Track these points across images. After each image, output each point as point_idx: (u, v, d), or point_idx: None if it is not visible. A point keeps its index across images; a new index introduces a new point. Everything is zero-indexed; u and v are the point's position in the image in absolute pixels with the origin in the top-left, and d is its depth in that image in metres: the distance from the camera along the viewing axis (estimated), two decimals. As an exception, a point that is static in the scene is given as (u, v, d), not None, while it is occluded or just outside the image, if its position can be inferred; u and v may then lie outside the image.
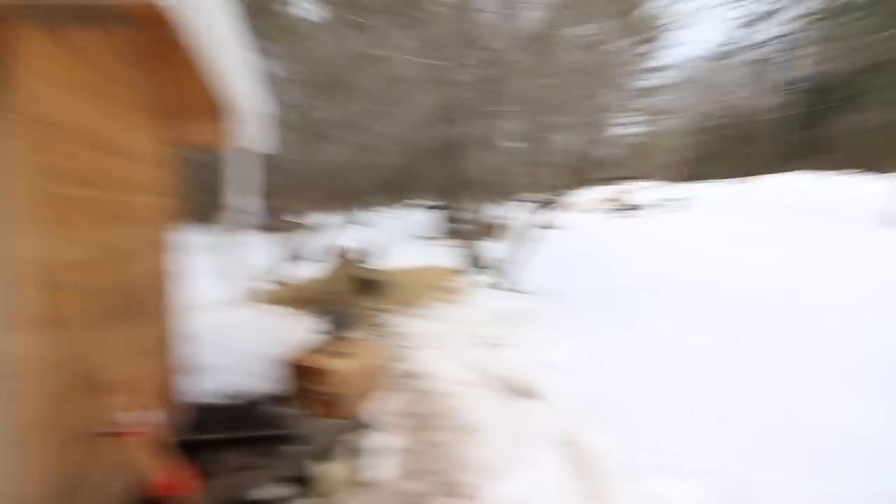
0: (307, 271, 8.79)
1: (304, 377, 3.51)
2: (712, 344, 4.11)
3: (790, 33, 29.69)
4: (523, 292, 6.76)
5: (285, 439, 2.96)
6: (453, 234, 14.17)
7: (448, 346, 4.66)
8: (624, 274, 7.57)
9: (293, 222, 12.03)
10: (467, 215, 7.32)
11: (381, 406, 3.51)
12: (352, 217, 22.69)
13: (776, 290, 5.62)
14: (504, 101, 7.17)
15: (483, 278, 6.99)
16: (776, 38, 30.31)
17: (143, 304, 2.76)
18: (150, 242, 2.93)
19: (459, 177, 13.52)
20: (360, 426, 2.94)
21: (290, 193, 12.28)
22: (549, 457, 2.61)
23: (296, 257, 10.57)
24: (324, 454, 2.64)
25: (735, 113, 32.02)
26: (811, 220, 10.92)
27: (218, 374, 4.37)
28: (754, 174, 24.77)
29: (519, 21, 6.27)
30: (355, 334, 5.09)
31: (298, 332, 5.24)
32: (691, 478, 2.16)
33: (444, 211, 15.25)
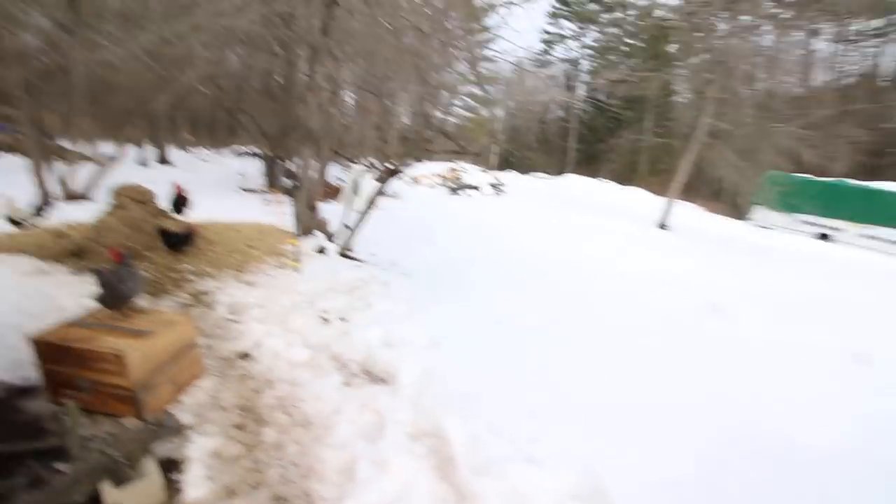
0: (72, 212, 6.57)
1: (76, 363, 2.50)
2: (547, 319, 4.54)
3: (577, 58, 36.34)
4: (361, 261, 6.39)
5: (57, 454, 2.05)
6: (285, 190, 12.69)
7: (281, 321, 4.02)
8: (457, 249, 7.89)
9: (48, 143, 8.86)
10: (302, 171, 6.49)
11: (197, 399, 2.76)
12: (145, 151, 18.37)
13: (590, 270, 6.62)
14: (343, 47, 6.53)
15: (314, 242, 6.35)
16: (569, 60, 36.66)
17: None
18: None
19: (296, 125, 12.12)
20: (170, 429, 2.21)
21: (48, 102, 8.99)
22: (407, 453, 2.40)
23: (49, 191, 7.81)
24: (119, 472, 1.88)
25: (541, 117, 37.71)
26: (602, 216, 13.37)
27: None
28: (553, 172, 29.42)
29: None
30: (151, 304, 3.99)
31: (58, 297, 3.82)
32: (551, 467, 2.23)
33: (275, 163, 13.47)
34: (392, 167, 6.40)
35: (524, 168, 30.47)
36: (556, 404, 2.98)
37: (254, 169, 18.14)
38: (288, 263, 5.55)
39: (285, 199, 12.03)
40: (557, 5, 35.40)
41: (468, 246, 8.13)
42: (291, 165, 7.85)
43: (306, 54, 6.49)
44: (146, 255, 4.98)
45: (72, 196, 8.03)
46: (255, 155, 21.55)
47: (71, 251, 4.63)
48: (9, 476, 1.98)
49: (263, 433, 2.54)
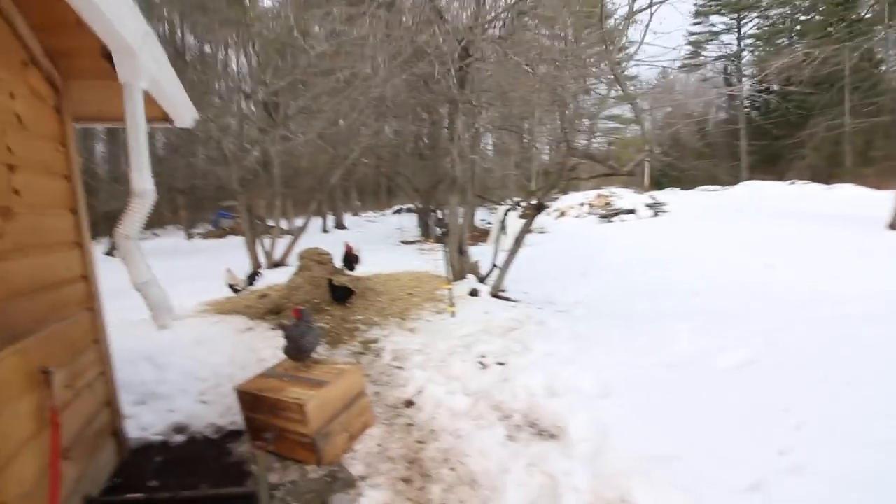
0: (273, 277, 7.93)
1: (268, 411, 2.77)
2: (743, 359, 3.61)
3: (741, 51, 31.34)
4: (515, 301, 6.15)
5: (247, 500, 2.23)
6: (437, 238, 13.55)
7: (440, 367, 3.99)
8: (616, 280, 7.09)
9: (258, 223, 11.11)
10: (451, 218, 6.68)
11: (368, 448, 2.80)
12: (326, 219, 21.90)
13: (793, 297, 5.21)
14: (479, 94, 6.68)
15: (466, 286, 6.35)
16: (728, 55, 31.96)
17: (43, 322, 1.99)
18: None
19: (442, 177, 12.87)
20: (343, 481, 2.24)
21: (256, 192, 11.41)
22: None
23: (259, 262, 9.67)
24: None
25: (700, 125, 33.30)
26: (804, 225, 10.80)
27: (161, 403, 3.56)
28: (724, 183, 25.37)
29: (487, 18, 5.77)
30: (328, 354, 4.38)
31: (260, 349, 4.46)
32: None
33: (426, 214, 14.58)
34: (536, 203, 6.18)
35: (686, 183, 27.13)
36: (785, 473, 2.20)
37: (410, 223, 19.97)
38: (444, 308, 5.65)
39: (438, 246, 12.80)
40: (702, 2, 32.04)
41: (629, 277, 7.27)
42: (441, 214, 8.27)
43: (446, 110, 6.89)
44: (326, 308, 5.62)
45: (274, 263, 9.80)
46: (410, 210, 23.84)
47: (270, 309, 5.49)
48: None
49: (430, 490, 2.40)
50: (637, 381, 3.36)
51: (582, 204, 20.48)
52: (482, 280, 6.64)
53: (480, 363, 4.02)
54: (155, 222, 29.32)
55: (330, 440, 2.69)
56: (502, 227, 7.18)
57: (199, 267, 11.20)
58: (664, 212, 17.21)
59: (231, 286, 6.45)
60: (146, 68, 1.90)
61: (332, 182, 10.21)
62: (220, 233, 23.28)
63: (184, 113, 2.98)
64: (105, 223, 23.80)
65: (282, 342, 4.56)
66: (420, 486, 2.46)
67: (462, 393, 3.40)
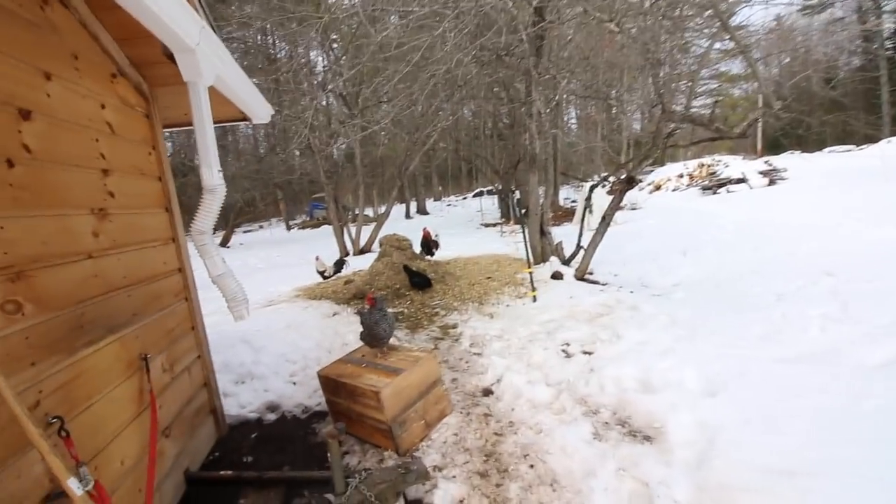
0: (359, 263, 8.24)
1: (347, 396, 2.81)
2: (887, 353, 2.90)
3: None
4: (603, 284, 5.69)
5: (325, 484, 2.27)
6: (517, 220, 13.17)
7: (520, 355, 3.79)
8: (722, 260, 6.23)
9: (344, 212, 11.64)
10: (531, 198, 6.33)
11: (444, 437, 2.73)
12: (409, 205, 22.50)
13: None
14: (558, 62, 6.14)
15: (548, 268, 6.00)
16: None
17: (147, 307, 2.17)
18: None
19: (520, 157, 12.44)
20: (418, 472, 2.17)
21: (342, 182, 11.97)
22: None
23: (346, 249, 10.14)
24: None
25: (827, 76, 28.15)
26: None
27: (257, 383, 3.84)
28: (856, 142, 21.39)
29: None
30: (408, 338, 4.39)
31: (344, 334, 4.61)
32: None
33: (507, 195, 14.24)
34: (626, 176, 5.61)
35: (810, 145, 23.33)
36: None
37: (491, 205, 19.72)
38: (525, 292, 5.40)
39: (519, 228, 12.41)
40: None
41: (740, 255, 6.35)
42: (521, 195, 7.93)
43: (523, 84, 6.50)
44: (406, 293, 5.68)
45: (360, 250, 10.22)
46: (490, 192, 23.55)
47: (354, 294, 5.68)
48: (290, 500, 2.28)
49: (507, 488, 2.25)
50: (752, 377, 2.87)
51: (680, 175, 18.58)
52: (566, 262, 6.25)
53: (564, 351, 3.75)
54: (261, 216, 32.54)
55: (406, 427, 2.65)
56: (588, 206, 6.67)
57: (295, 254, 12.10)
58: (782, 179, 14.93)
59: (320, 273, 6.82)
60: (208, 65, 1.93)
61: (411, 168, 10.32)
62: (315, 223, 25.06)
63: (258, 109, 3.07)
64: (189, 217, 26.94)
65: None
66: (497, 482, 2.32)
67: (543, 383, 3.18)
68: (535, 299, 5.10)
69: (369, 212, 13.26)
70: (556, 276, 5.79)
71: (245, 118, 3.12)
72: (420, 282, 5.61)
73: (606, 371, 3.15)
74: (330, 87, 9.13)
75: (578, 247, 6.12)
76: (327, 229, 16.46)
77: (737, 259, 6.15)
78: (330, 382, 2.92)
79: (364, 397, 2.65)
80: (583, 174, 21.18)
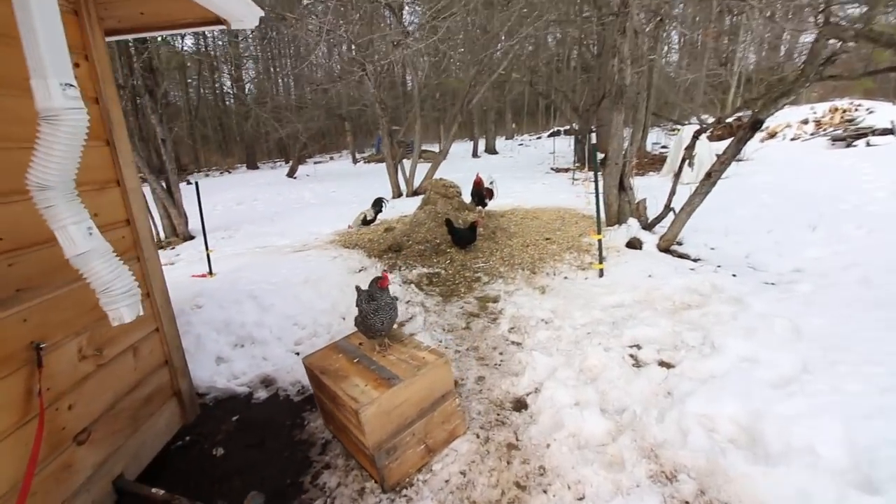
0: (410, 205, 7.50)
1: (329, 398, 2.17)
2: None
3: None
4: (695, 260, 4.49)
5: None
6: (593, 167, 11.56)
7: (571, 353, 2.92)
8: (870, 239, 4.67)
9: (403, 148, 10.77)
10: (613, 141, 5.05)
11: (446, 475, 2.01)
12: (477, 144, 21.08)
13: None
14: None
15: (624, 233, 4.86)
16: None
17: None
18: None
19: (607, 91, 10.69)
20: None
21: (403, 117, 10.99)
22: None
23: (399, 189, 9.38)
24: None
25: None
26: None
27: (256, 348, 3.36)
28: None
29: None
30: (438, 307, 3.62)
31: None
32: None
33: (583, 137, 12.52)
34: (752, 119, 4.15)
35: None
36: None
37: (566, 147, 17.82)
38: (590, 263, 4.39)
39: (594, 177, 10.84)
40: None
41: (880, 228, 4.72)
42: (598, 137, 6.58)
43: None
44: (446, 250, 4.89)
45: (414, 191, 9.47)
46: (567, 132, 21.33)
47: (390, 246, 4.99)
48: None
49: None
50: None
51: (804, 121, 15.32)
52: (648, 227, 5.05)
53: (632, 357, 2.81)
54: (332, 147, 32.76)
55: (396, 456, 1.97)
56: (690, 156, 5.25)
57: (351, 191, 11.66)
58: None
59: (363, 221, 6.19)
60: None
61: (475, 101, 9.08)
62: (381, 157, 24.55)
63: (234, 7, 2.23)
64: (278, 149, 27.23)
65: (389, 289, 4.02)
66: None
67: (597, 407, 2.31)
68: (601, 273, 4.09)
69: (436, 149, 12.34)
70: (634, 244, 4.66)
71: (218, 20, 2.30)
72: (462, 239, 4.77)
73: (692, 403, 2.20)
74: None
75: (667, 208, 4.86)
76: (382, 168, 15.86)
77: (891, 237, 4.55)
78: (313, 376, 2.28)
79: (345, 409, 1.98)
80: (678, 115, 18.26)
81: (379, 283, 2.25)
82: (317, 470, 2.18)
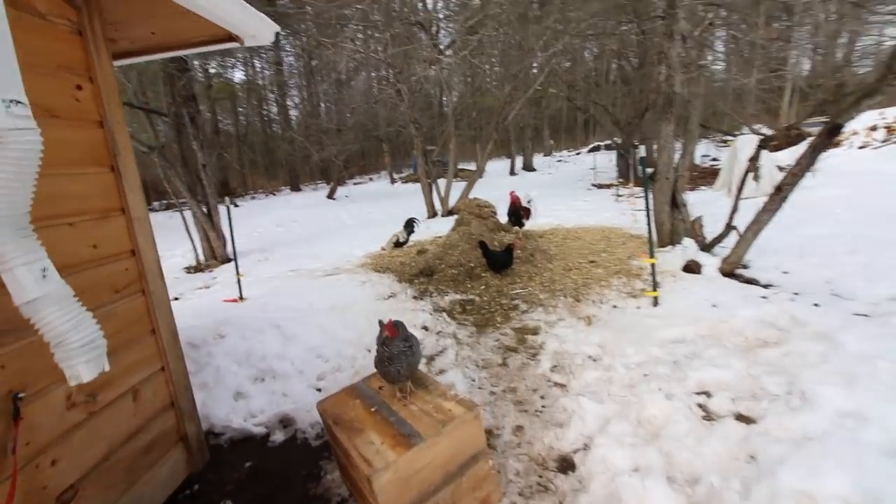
0: (446, 226, 7.26)
1: (343, 454, 1.89)
2: None
3: None
4: (765, 286, 3.95)
5: None
6: (638, 181, 10.98)
7: (626, 400, 2.51)
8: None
9: (437, 167, 10.62)
10: (662, 154, 4.63)
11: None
12: (514, 161, 20.80)
13: None
14: None
15: (679, 255, 4.39)
16: None
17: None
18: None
19: (651, 102, 10.18)
20: None
21: (438, 137, 10.92)
22: None
23: (434, 209, 9.18)
24: None
25: None
26: None
27: (276, 384, 3.15)
28: None
29: None
30: (472, 338, 3.27)
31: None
32: None
33: (628, 151, 11.97)
34: (829, 125, 3.64)
35: None
36: None
37: (607, 162, 17.20)
38: (642, 290, 3.95)
39: (640, 191, 10.26)
40: None
41: None
42: (643, 151, 6.13)
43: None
44: (481, 275, 4.58)
45: (448, 211, 9.25)
46: (608, 147, 20.66)
47: (421, 270, 4.74)
48: None
49: None
50: None
51: (873, 128, 14.02)
52: (707, 248, 4.54)
53: (701, 408, 2.37)
54: (371, 168, 33.43)
55: (416, 532, 1.65)
56: (755, 168, 4.74)
57: (387, 211, 11.62)
58: None
59: (395, 243, 6.00)
60: None
61: (511, 118, 8.83)
62: (418, 177, 24.69)
63: (250, 25, 2.09)
64: (320, 172, 27.94)
65: (419, 317, 3.74)
66: None
67: (663, 475, 1.91)
68: (655, 302, 3.64)
69: (473, 167, 12.17)
70: (691, 267, 4.18)
71: (232, 38, 2.16)
72: (497, 263, 4.44)
73: (787, 475, 1.76)
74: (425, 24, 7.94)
75: (729, 227, 4.35)
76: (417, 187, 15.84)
77: None
78: (327, 426, 2.02)
79: (358, 471, 1.70)
80: (727, 126, 17.23)
81: (385, 333, 1.97)
82: (330, 536, 1.90)
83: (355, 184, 27.93)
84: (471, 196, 7.95)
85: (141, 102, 7.11)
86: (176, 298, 5.43)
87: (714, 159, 15.81)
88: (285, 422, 2.76)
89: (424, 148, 9.14)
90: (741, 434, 2.11)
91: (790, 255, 4.56)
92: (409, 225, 6.14)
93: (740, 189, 4.42)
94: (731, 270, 4.08)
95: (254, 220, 12.70)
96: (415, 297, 4.14)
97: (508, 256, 4.47)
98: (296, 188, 25.95)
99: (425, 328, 3.60)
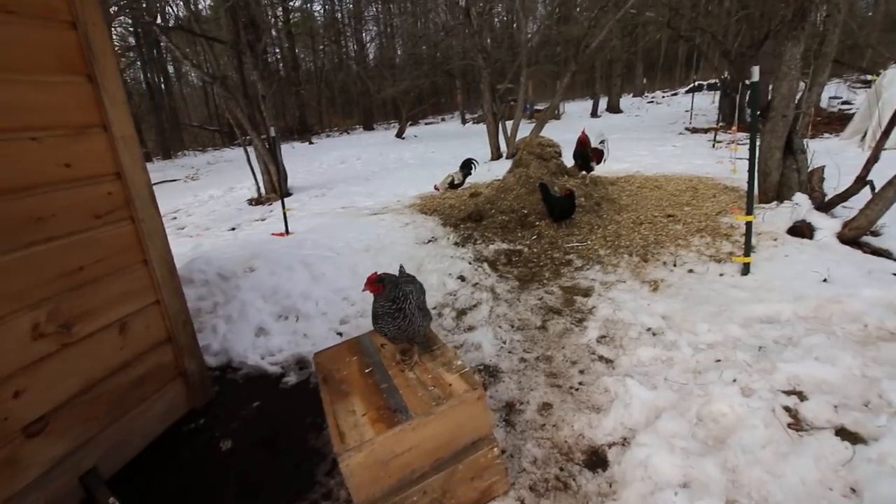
0: (501, 169, 6.67)
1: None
2: None
3: None
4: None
5: None
6: (744, 125, 9.29)
7: (687, 389, 2.03)
8: None
9: (505, 104, 9.71)
10: (780, 84, 3.64)
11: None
12: (598, 101, 18.84)
13: None
14: None
15: (786, 213, 3.56)
16: None
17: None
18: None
19: (777, 23, 8.45)
20: None
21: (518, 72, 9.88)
22: None
23: (499, 150, 8.49)
24: None
25: None
26: None
27: (299, 323, 3.02)
28: None
29: None
30: (513, 293, 2.86)
31: (428, 272, 3.39)
32: None
33: (734, 90, 10.13)
34: None
35: None
36: None
37: (708, 104, 14.94)
38: (730, 252, 3.25)
39: (744, 137, 8.69)
40: None
41: None
42: (760, 84, 4.95)
43: None
44: (535, 223, 4.07)
45: (513, 153, 8.52)
46: (711, 86, 17.88)
47: (469, 215, 4.32)
48: None
49: None
50: None
51: None
52: (825, 207, 3.62)
53: (789, 412, 1.82)
54: (445, 108, 32.40)
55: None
56: (875, 112, 3.63)
57: (452, 152, 11.08)
58: None
59: (451, 184, 5.58)
60: None
61: (593, 46, 7.62)
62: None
63: None
64: (394, 110, 27.49)
65: (457, 266, 3.40)
66: None
67: (722, 500, 1.46)
68: (746, 270, 2.95)
69: (546, 105, 11.06)
70: (801, 230, 3.34)
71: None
72: (561, 210, 3.88)
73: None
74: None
75: (863, 181, 3.38)
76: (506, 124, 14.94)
77: None
78: (319, 374, 1.80)
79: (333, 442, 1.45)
80: (867, 62, 13.94)
81: (365, 287, 1.61)
82: (315, 498, 1.74)
83: (427, 123, 27.35)
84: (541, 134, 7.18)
85: (203, 31, 7.05)
86: (232, 229, 5.57)
87: (846, 102, 13.06)
88: (301, 363, 2.64)
89: (493, 83, 8.33)
90: (843, 455, 1.57)
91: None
92: (467, 166, 5.67)
93: (887, 134, 3.36)
94: (855, 237, 3.20)
95: (321, 156, 12.83)
96: (456, 244, 3.78)
97: (571, 203, 3.89)
98: (369, 127, 25.98)
99: (461, 278, 3.26)
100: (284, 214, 4.66)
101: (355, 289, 3.15)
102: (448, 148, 11.98)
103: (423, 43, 19.94)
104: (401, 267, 2.00)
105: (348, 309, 3.02)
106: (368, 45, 26.39)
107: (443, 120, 30.06)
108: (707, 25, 12.46)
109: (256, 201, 6.99)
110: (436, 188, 5.63)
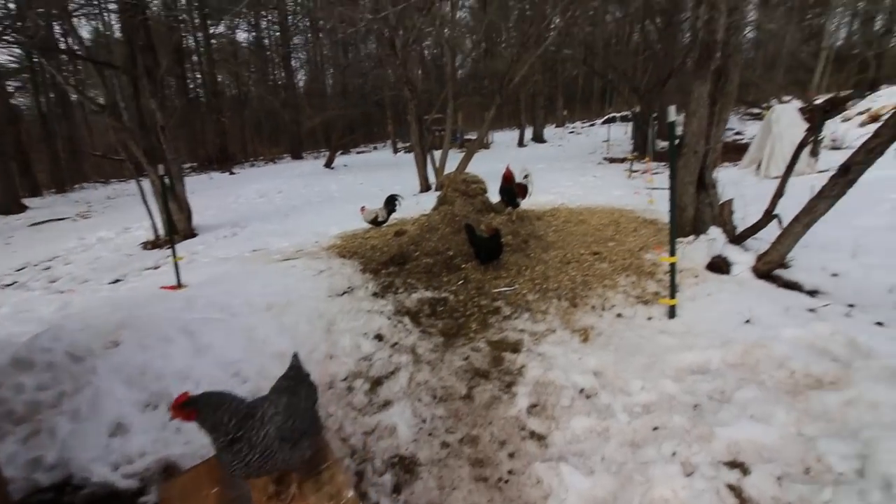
0: (430, 203, 6.44)
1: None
2: None
3: None
4: (817, 294, 3.15)
5: None
6: (655, 155, 9.92)
7: (634, 474, 1.79)
8: None
9: (431, 135, 9.63)
10: (691, 121, 3.74)
11: None
12: (523, 131, 19.58)
13: None
14: None
15: (704, 248, 3.60)
16: None
17: None
18: None
19: (679, 63, 9.13)
20: None
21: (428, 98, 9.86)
22: None
23: (427, 181, 8.33)
24: None
25: None
26: None
27: (167, 415, 2.47)
28: None
29: None
30: (437, 353, 2.49)
31: (341, 332, 2.97)
32: None
33: (644, 123, 10.85)
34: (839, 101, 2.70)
35: None
36: None
37: (621, 134, 16.00)
38: (656, 293, 3.16)
39: (657, 167, 9.23)
40: None
41: None
42: (673, 115, 5.20)
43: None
44: (461, 266, 3.81)
45: (441, 184, 8.38)
46: (624, 118, 19.28)
47: (392, 258, 3.97)
48: None
49: None
50: None
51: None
52: (737, 239, 3.70)
53: (733, 491, 1.62)
54: (377, 137, 32.19)
55: None
56: (815, 141, 3.84)
57: (379, 183, 10.75)
58: None
59: (371, 221, 5.21)
60: None
61: (517, 79, 7.78)
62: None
63: None
64: (324, 139, 26.91)
65: (375, 322, 3.03)
66: None
67: None
68: (672, 313, 2.86)
69: (474, 136, 11.18)
70: (718, 265, 3.36)
71: None
72: (486, 251, 3.65)
73: None
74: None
75: (770, 215, 3.49)
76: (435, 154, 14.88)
77: None
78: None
79: None
80: (752, 97, 15.85)
81: (170, 409, 1.21)
82: None
83: (359, 152, 26.93)
84: (469, 169, 7.08)
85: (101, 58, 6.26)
86: (116, 281, 4.76)
87: (737, 133, 14.56)
88: (170, 470, 2.09)
89: (419, 114, 8.19)
90: (801, 555, 1.37)
91: (840, 251, 3.71)
92: (391, 202, 5.34)
93: (790, 167, 3.53)
94: (768, 271, 3.26)
95: (239, 189, 11.95)
96: (375, 294, 3.40)
97: (497, 245, 3.67)
98: (297, 156, 25.06)
99: (379, 337, 2.88)
100: (176, 265, 4.02)
101: (249, 361, 2.65)
102: (377, 179, 11.65)
103: (351, 73, 19.73)
104: (294, 356, 1.59)
105: (239, 388, 2.51)
106: (297, 71, 25.73)
107: (375, 149, 29.81)
108: (618, 63, 13.42)
109: (153, 244, 6.14)
110: (362, 210, 5.22)
